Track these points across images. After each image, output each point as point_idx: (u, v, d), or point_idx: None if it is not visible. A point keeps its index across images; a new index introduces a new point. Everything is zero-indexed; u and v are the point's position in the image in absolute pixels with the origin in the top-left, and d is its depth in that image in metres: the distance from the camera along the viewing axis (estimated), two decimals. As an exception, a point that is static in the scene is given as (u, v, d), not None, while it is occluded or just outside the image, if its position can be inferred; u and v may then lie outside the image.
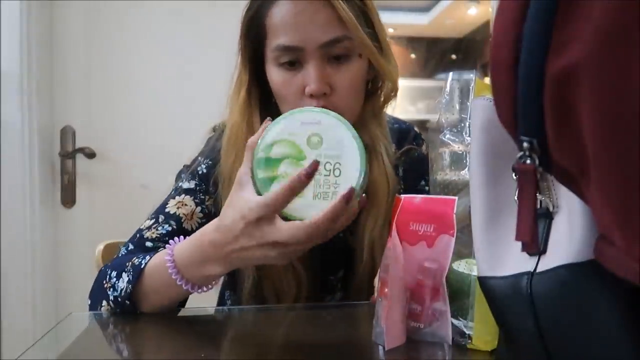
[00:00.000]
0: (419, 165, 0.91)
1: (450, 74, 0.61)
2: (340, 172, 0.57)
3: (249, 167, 0.60)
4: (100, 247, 1.05)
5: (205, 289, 0.66)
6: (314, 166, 0.56)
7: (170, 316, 0.69)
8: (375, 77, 0.81)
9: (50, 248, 1.84)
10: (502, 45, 0.30)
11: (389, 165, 0.82)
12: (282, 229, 0.56)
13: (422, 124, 2.51)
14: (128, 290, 0.67)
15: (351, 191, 0.56)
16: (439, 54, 2.70)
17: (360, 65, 0.76)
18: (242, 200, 0.58)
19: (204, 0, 1.82)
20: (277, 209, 0.57)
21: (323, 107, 0.74)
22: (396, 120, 0.94)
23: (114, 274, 0.70)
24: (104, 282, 0.71)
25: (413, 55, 2.72)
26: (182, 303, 0.73)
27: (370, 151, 0.80)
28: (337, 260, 0.85)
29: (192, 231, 0.78)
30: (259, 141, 0.59)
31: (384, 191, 0.80)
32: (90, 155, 1.83)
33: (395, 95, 0.83)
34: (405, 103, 2.58)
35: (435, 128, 0.60)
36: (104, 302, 0.70)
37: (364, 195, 0.60)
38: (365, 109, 0.80)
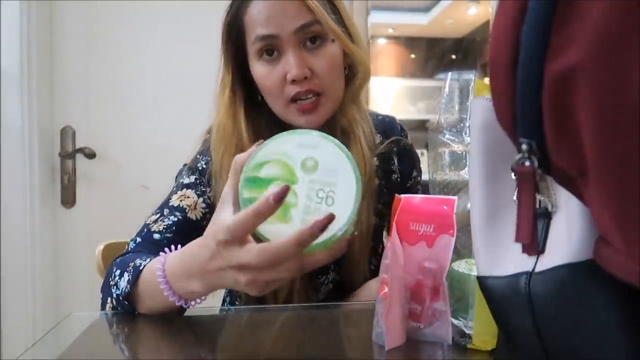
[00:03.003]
0: (410, 155, 0.98)
1: (450, 74, 0.61)
2: (333, 201, 0.52)
3: (232, 185, 0.56)
4: (100, 247, 1.05)
5: (191, 304, 0.64)
6: (284, 190, 0.51)
7: (170, 316, 0.69)
8: (350, 64, 0.86)
9: (50, 248, 1.84)
10: (500, 47, 0.30)
11: (367, 148, 0.86)
12: (248, 251, 0.52)
13: (422, 124, 2.52)
14: (126, 290, 0.68)
15: (329, 218, 0.51)
16: (439, 54, 2.70)
17: (335, 50, 0.81)
18: (217, 220, 0.56)
19: (203, 1, 1.83)
20: (241, 234, 0.53)
21: (307, 90, 0.79)
22: (378, 113, 1.00)
23: (118, 272, 0.71)
24: (110, 279, 0.71)
25: (413, 55, 2.72)
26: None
27: (348, 134, 0.86)
28: None
29: (197, 220, 0.82)
30: (250, 158, 0.54)
31: (361, 172, 0.83)
32: (90, 155, 1.84)
33: (368, 78, 0.89)
34: (405, 103, 2.57)
35: (435, 128, 0.60)
36: (109, 300, 0.71)
37: (355, 233, 0.55)
38: (343, 94, 0.85)
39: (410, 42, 2.69)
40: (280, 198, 0.51)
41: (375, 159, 0.90)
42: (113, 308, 0.70)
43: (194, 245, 0.60)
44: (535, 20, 0.28)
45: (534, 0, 0.29)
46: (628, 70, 0.24)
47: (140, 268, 0.68)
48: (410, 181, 0.97)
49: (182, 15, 1.88)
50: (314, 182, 0.53)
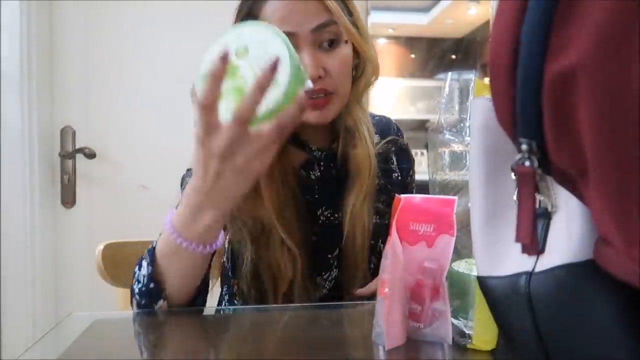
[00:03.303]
0: (407, 154, 1.00)
1: (449, 74, 0.61)
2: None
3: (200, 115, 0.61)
4: (100, 247, 1.05)
5: (210, 247, 0.67)
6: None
7: (170, 316, 0.69)
8: (358, 64, 0.88)
9: (50, 248, 1.84)
10: (500, 47, 0.30)
11: (371, 147, 0.88)
12: (225, 130, 0.58)
13: (422, 124, 2.51)
14: (149, 271, 0.69)
15: (274, 61, 0.57)
16: (439, 54, 2.70)
17: (347, 50, 0.83)
18: (200, 142, 0.60)
19: (204, 1, 1.83)
20: (210, 104, 0.58)
21: (320, 89, 0.80)
22: (374, 114, 1.01)
23: (136, 268, 0.72)
24: (133, 280, 0.72)
25: (413, 55, 2.72)
26: (194, 302, 0.73)
27: (353, 133, 0.88)
28: (332, 239, 0.88)
29: None
30: (196, 76, 0.61)
31: (366, 170, 0.87)
32: (90, 155, 1.83)
33: (377, 78, 0.91)
34: (405, 103, 2.57)
35: (435, 128, 0.60)
36: (134, 302, 0.71)
37: (308, 84, 0.61)
38: (349, 93, 0.87)
39: (410, 42, 2.68)
40: (225, 55, 0.57)
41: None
42: (138, 306, 0.71)
43: (185, 192, 0.65)
44: (535, 20, 0.28)
45: (534, 0, 0.29)
46: (628, 71, 0.24)
47: (154, 246, 0.70)
48: (408, 179, 0.99)
49: (183, 15, 1.88)
50: (251, 59, 0.60)
